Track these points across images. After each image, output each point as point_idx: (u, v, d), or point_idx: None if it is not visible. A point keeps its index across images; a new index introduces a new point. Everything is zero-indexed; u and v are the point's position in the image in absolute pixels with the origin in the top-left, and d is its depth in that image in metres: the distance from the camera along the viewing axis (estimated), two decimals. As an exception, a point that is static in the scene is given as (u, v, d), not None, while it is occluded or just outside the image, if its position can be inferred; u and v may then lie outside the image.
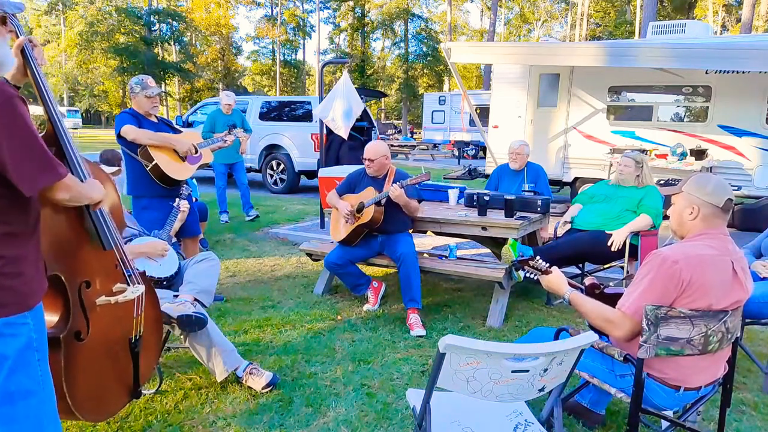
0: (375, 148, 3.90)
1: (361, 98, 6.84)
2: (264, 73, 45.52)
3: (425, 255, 4.28)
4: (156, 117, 3.91)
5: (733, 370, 2.24)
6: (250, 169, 10.73)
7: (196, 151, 3.92)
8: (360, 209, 3.84)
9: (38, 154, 1.45)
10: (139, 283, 2.02)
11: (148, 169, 3.68)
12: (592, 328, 2.08)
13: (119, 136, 3.69)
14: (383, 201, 3.77)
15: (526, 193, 4.50)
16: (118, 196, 2.06)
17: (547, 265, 2.20)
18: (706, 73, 7.48)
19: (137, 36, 30.69)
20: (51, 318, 1.77)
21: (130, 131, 3.64)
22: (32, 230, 1.54)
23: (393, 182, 3.85)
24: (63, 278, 1.74)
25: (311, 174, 10.02)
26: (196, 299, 2.72)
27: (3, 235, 1.45)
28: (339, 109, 6.12)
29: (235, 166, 7.17)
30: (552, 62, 8.10)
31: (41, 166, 1.45)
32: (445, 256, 4.14)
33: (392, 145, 21.24)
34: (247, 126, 7.15)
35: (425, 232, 4.75)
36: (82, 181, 1.69)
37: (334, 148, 9.52)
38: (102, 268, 1.89)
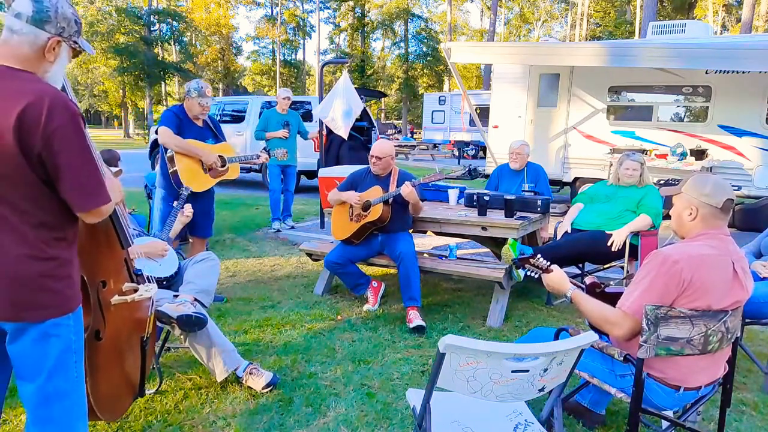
0: (383, 147, 3.92)
1: (361, 98, 6.84)
2: (264, 73, 45.47)
3: (425, 255, 4.28)
4: (203, 121, 4.00)
5: (733, 370, 2.24)
6: (250, 170, 10.74)
7: (224, 165, 3.99)
8: (366, 207, 3.84)
9: (94, 176, 1.50)
10: (151, 282, 2.05)
11: (169, 172, 3.84)
12: (593, 327, 2.08)
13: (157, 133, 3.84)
14: (390, 199, 3.79)
15: (526, 193, 4.50)
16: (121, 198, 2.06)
17: (548, 263, 2.20)
18: (706, 73, 7.48)
19: (137, 36, 30.62)
20: None
21: (162, 134, 3.80)
22: (77, 236, 1.59)
23: (398, 182, 3.85)
24: (85, 278, 1.75)
25: (311, 174, 10.02)
26: (196, 299, 2.72)
27: (57, 240, 1.50)
28: (339, 109, 6.12)
29: (287, 169, 6.81)
30: (552, 62, 8.10)
31: (94, 189, 1.50)
32: (445, 256, 4.14)
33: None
34: (303, 129, 6.87)
35: (425, 232, 4.75)
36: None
37: (334, 148, 9.52)
38: (114, 268, 1.92)
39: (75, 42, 1.56)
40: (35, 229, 1.45)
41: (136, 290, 1.93)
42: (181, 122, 3.85)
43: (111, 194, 1.66)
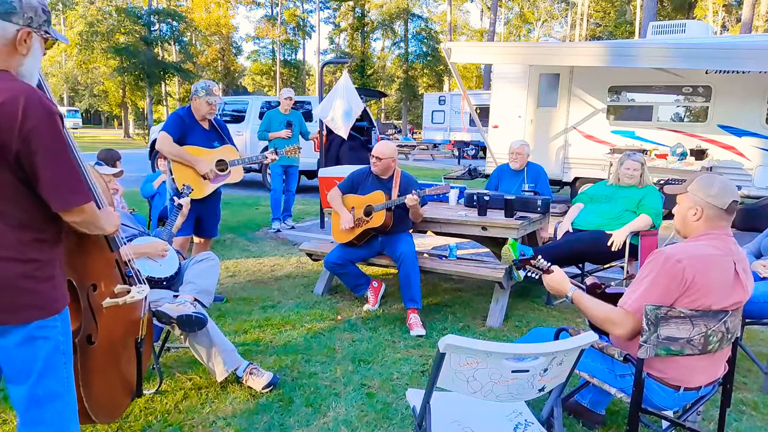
0: (384, 149, 3.86)
1: (361, 98, 6.83)
2: (264, 73, 45.47)
3: (425, 255, 4.28)
4: (209, 123, 3.98)
5: (733, 370, 2.24)
6: (249, 170, 10.74)
7: (226, 169, 3.97)
8: (369, 213, 3.83)
9: (73, 174, 1.48)
10: (143, 283, 2.03)
11: (170, 178, 3.90)
12: (593, 327, 2.08)
13: None
14: (393, 206, 3.78)
15: (526, 193, 4.50)
16: (111, 198, 2.06)
17: (549, 264, 2.19)
18: (706, 73, 7.48)
19: (137, 36, 30.59)
20: None
21: (159, 140, 3.82)
22: (60, 237, 1.56)
23: (400, 186, 3.84)
24: (74, 283, 1.74)
25: (311, 174, 10.02)
26: (196, 299, 2.72)
27: (36, 241, 1.47)
28: (339, 109, 6.12)
29: (289, 169, 6.76)
30: (552, 62, 8.10)
31: (74, 188, 1.48)
32: (445, 256, 4.13)
33: (392, 145, 21.25)
34: (305, 129, 6.85)
35: (425, 232, 4.75)
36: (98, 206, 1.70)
37: (334, 148, 9.51)
38: (104, 270, 1.90)
39: (46, 32, 1.52)
40: (14, 231, 1.42)
41: (128, 292, 1.91)
42: (186, 125, 3.85)
43: (104, 223, 1.63)
